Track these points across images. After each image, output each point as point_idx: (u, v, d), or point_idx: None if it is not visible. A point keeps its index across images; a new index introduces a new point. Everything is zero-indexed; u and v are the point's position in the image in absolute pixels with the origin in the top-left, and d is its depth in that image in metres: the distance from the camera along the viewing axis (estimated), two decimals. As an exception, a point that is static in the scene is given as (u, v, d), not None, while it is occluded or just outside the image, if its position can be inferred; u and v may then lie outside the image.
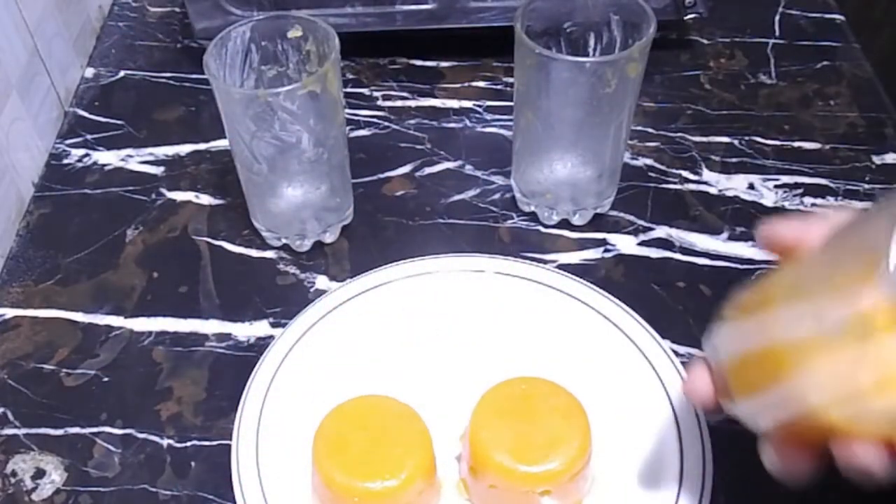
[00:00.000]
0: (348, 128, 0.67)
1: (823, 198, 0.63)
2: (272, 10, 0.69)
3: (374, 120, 0.70)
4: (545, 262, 0.59)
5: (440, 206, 0.64)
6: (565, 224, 0.62)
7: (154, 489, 0.50)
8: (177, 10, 0.80)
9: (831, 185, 0.64)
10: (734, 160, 0.66)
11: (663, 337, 0.53)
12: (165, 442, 0.52)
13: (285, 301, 0.58)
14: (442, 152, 0.68)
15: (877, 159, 0.66)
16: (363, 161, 0.66)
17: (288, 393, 0.51)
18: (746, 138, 0.68)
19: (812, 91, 0.71)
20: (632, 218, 0.62)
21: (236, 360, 0.56)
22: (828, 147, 0.67)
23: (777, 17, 0.77)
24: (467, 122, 0.70)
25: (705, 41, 0.76)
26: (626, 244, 0.61)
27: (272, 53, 0.58)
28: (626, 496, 0.48)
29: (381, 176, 0.66)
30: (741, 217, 0.62)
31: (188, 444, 0.52)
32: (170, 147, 0.69)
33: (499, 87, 0.73)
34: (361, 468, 0.45)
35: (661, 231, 0.61)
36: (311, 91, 0.53)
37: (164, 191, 0.66)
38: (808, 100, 0.70)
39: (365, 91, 0.73)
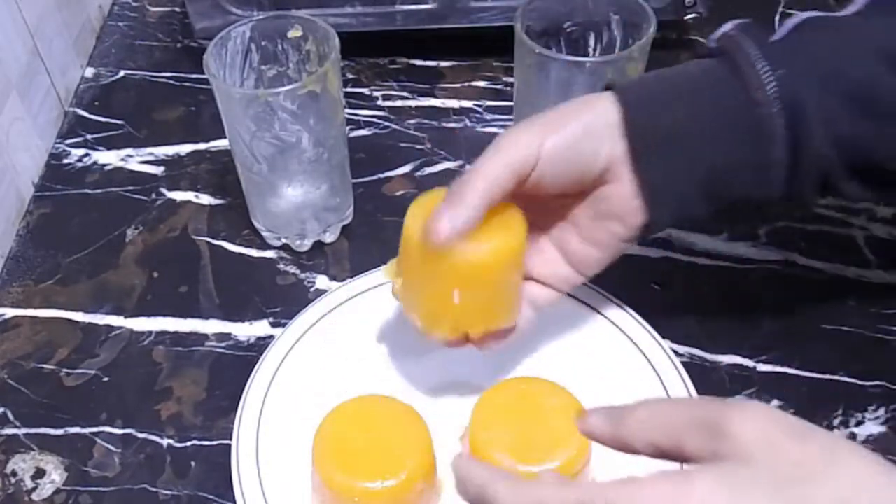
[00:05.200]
0: (348, 128, 0.67)
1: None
2: (272, 10, 0.69)
3: (374, 120, 0.70)
4: (545, 262, 0.59)
5: (440, 206, 0.64)
6: (565, 224, 0.62)
7: (154, 489, 0.50)
8: (177, 10, 0.80)
9: (831, 184, 0.64)
10: (734, 160, 0.66)
11: (663, 337, 0.53)
12: (165, 442, 0.52)
13: (285, 301, 0.58)
14: (442, 152, 0.68)
15: (877, 159, 0.66)
16: (363, 161, 0.66)
17: (288, 393, 0.51)
18: (746, 138, 0.67)
19: (812, 91, 0.71)
20: (632, 218, 0.62)
21: (236, 360, 0.56)
22: (828, 147, 0.67)
23: (777, 17, 0.77)
24: (467, 122, 0.70)
25: (705, 41, 0.75)
26: (626, 244, 0.61)
27: (272, 53, 0.58)
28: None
29: (381, 176, 0.66)
30: (741, 217, 0.62)
31: (188, 444, 0.52)
32: (170, 147, 0.69)
33: (499, 87, 0.73)
34: (361, 468, 0.45)
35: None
36: (311, 91, 0.53)
37: (164, 191, 0.66)
38: (808, 100, 0.70)
39: (365, 91, 0.73)
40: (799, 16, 0.46)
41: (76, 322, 0.58)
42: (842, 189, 0.45)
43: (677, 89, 0.45)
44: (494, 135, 0.68)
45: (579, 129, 0.44)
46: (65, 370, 0.56)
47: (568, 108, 0.45)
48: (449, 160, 0.67)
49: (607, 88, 0.46)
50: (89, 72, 0.76)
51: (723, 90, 0.44)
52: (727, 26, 0.46)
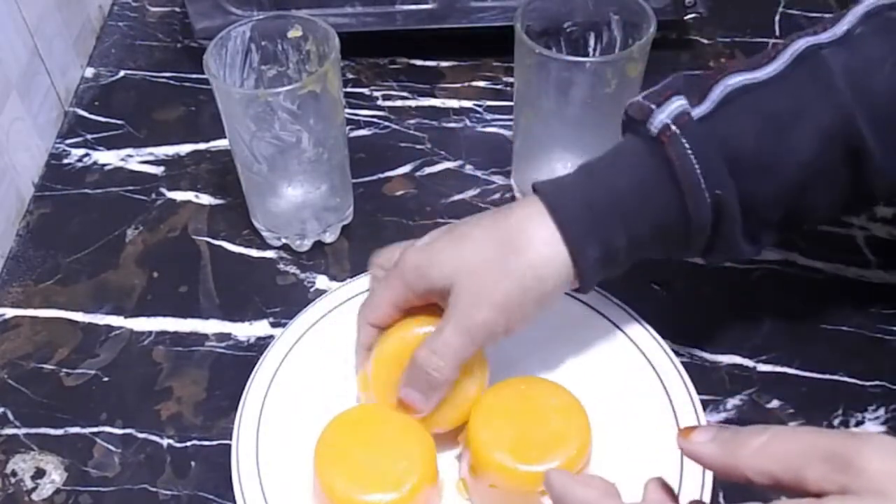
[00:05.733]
0: (348, 128, 0.67)
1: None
2: (272, 10, 0.69)
3: (374, 120, 0.70)
4: (545, 262, 0.59)
5: (440, 206, 0.64)
6: (565, 224, 0.62)
7: (154, 489, 0.50)
8: (177, 10, 0.80)
9: (831, 184, 0.64)
10: (734, 160, 0.66)
11: (663, 337, 0.53)
12: (165, 442, 0.52)
13: (285, 301, 0.58)
14: (442, 152, 0.68)
15: (877, 159, 0.66)
16: (363, 161, 0.66)
17: (288, 393, 0.51)
18: (746, 138, 0.67)
19: (812, 91, 0.71)
20: (632, 218, 0.62)
21: (236, 360, 0.56)
22: (828, 147, 0.67)
23: (777, 17, 0.77)
24: (467, 122, 0.70)
25: (705, 41, 0.76)
26: (626, 244, 0.61)
27: (272, 53, 0.58)
28: (627, 496, 0.48)
29: (381, 176, 0.66)
30: (741, 217, 0.62)
31: (188, 444, 0.52)
32: (170, 147, 0.69)
33: (499, 87, 0.73)
34: (364, 481, 0.44)
35: (661, 231, 0.61)
36: (311, 91, 0.53)
37: (164, 191, 0.66)
38: (808, 100, 0.70)
39: (365, 91, 0.73)
40: (726, 83, 0.46)
41: (76, 322, 0.58)
42: (743, 252, 0.48)
43: (622, 217, 0.46)
44: (494, 135, 0.69)
45: (537, 302, 0.46)
46: (65, 370, 0.56)
47: (521, 268, 0.45)
48: (449, 160, 0.67)
49: (536, 190, 0.47)
50: (89, 72, 0.76)
51: (666, 212, 0.46)
52: (664, 114, 0.45)
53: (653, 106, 0.46)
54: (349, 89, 0.72)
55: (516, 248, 0.46)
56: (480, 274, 0.46)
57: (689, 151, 0.44)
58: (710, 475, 0.46)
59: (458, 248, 0.47)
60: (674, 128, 0.45)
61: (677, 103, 0.45)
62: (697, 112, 0.45)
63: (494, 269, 0.45)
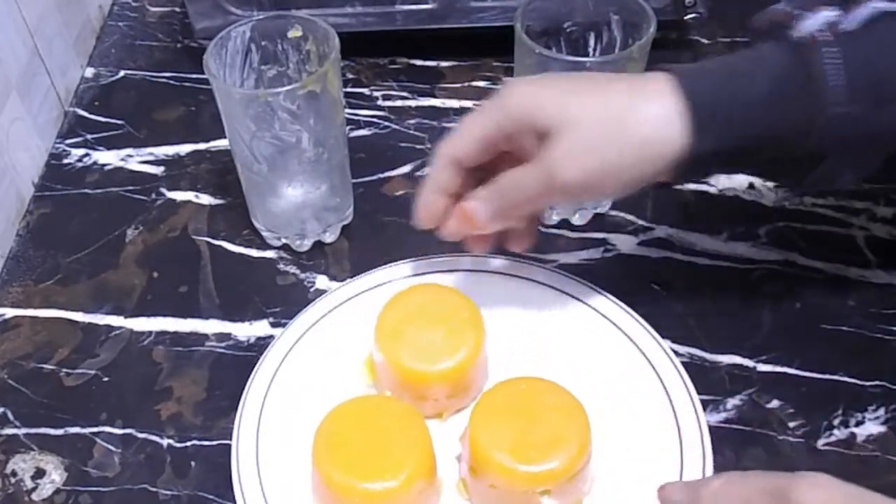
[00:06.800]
0: (348, 128, 0.67)
1: (824, 198, 0.63)
2: (272, 10, 0.69)
3: (374, 120, 0.70)
4: (545, 262, 0.59)
5: (440, 206, 0.64)
6: (565, 224, 0.62)
7: (154, 489, 0.50)
8: (177, 10, 0.80)
9: (831, 184, 0.64)
10: (734, 160, 0.66)
11: (663, 337, 0.53)
12: (165, 442, 0.52)
13: (285, 301, 0.58)
14: (442, 152, 0.68)
15: (877, 159, 0.66)
16: (363, 161, 0.66)
17: (288, 393, 0.51)
18: (746, 138, 0.67)
19: (812, 91, 0.71)
20: (632, 218, 0.62)
21: (236, 360, 0.56)
22: (828, 147, 0.67)
23: (777, 17, 0.77)
24: (467, 122, 0.70)
25: (705, 41, 0.76)
26: (626, 244, 0.61)
27: (272, 53, 0.58)
28: (626, 496, 0.48)
29: (381, 176, 0.66)
30: (741, 217, 0.62)
31: (188, 444, 0.52)
32: (170, 147, 0.69)
33: (499, 87, 0.72)
34: (362, 468, 0.45)
35: (660, 231, 0.61)
36: (311, 91, 0.53)
37: (164, 191, 0.66)
38: (808, 100, 0.70)
39: (365, 91, 0.73)
40: (872, 5, 0.43)
41: (76, 322, 0.58)
42: (839, 181, 0.47)
43: (747, 122, 0.44)
44: (494, 135, 0.69)
45: (626, 182, 0.45)
46: (65, 370, 0.56)
47: (630, 142, 0.43)
48: (449, 160, 0.67)
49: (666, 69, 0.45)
50: (89, 72, 0.76)
51: (793, 119, 0.44)
52: (814, 21, 0.43)
53: (799, 11, 0.44)
54: (349, 89, 0.72)
55: (634, 119, 0.43)
56: (585, 131, 0.43)
57: (839, 59, 0.42)
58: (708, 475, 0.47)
59: (571, 95, 0.44)
60: (824, 34, 0.43)
61: (829, 13, 0.43)
62: (845, 26, 0.43)
63: (602, 132, 0.43)
